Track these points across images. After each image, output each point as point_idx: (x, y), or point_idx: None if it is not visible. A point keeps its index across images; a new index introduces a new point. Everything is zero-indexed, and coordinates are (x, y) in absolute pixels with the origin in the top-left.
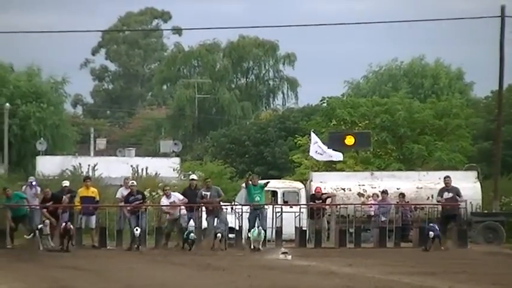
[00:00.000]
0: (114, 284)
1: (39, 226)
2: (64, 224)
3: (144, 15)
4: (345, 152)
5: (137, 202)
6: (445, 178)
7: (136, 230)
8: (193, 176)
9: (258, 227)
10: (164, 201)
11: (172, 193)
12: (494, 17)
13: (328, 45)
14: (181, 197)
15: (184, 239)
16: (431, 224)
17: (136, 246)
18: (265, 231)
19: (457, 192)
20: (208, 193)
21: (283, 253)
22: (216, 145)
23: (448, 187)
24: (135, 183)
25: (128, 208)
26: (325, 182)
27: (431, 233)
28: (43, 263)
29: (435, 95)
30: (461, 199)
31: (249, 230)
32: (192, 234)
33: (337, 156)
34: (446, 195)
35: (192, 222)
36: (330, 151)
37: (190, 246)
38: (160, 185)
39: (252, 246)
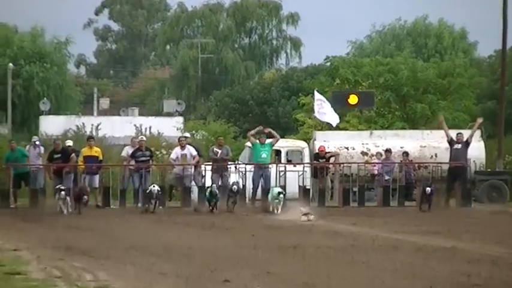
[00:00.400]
0: (117, 244)
1: (60, 187)
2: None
3: None
4: (348, 111)
5: (144, 158)
6: (457, 134)
7: (154, 186)
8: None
9: (277, 187)
10: (178, 151)
11: (187, 145)
12: None
13: (332, 5)
14: (195, 152)
15: (208, 199)
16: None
17: (152, 206)
18: (284, 190)
19: (466, 144)
20: (219, 151)
21: (304, 214)
22: (219, 105)
23: (459, 140)
24: (144, 138)
25: (132, 166)
26: (329, 141)
27: (428, 189)
28: (46, 223)
29: (439, 54)
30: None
31: (253, 189)
32: (217, 195)
33: (334, 120)
34: (457, 146)
35: (217, 183)
36: (330, 114)
37: (213, 207)
38: (164, 144)
39: (271, 209)
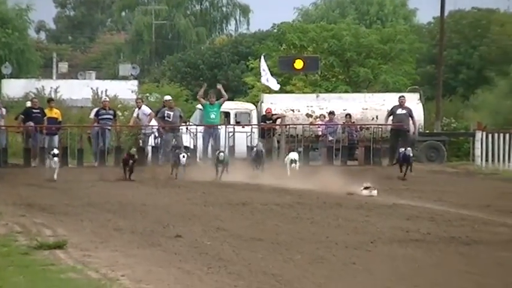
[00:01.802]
0: (76, 201)
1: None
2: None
3: None
4: (294, 75)
5: (108, 116)
6: (399, 97)
7: (184, 156)
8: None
9: (293, 153)
10: (137, 110)
11: (143, 106)
12: None
13: None
14: (149, 111)
15: (215, 165)
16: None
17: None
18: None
19: (409, 112)
20: (171, 113)
21: (365, 188)
22: (172, 69)
23: (402, 105)
24: (107, 99)
25: (96, 125)
26: (276, 104)
27: (408, 151)
28: (8, 181)
29: (380, 21)
30: (415, 122)
31: (204, 148)
32: (226, 157)
33: (274, 85)
34: (400, 111)
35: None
36: (270, 79)
37: (223, 169)
38: (119, 106)
39: (288, 173)
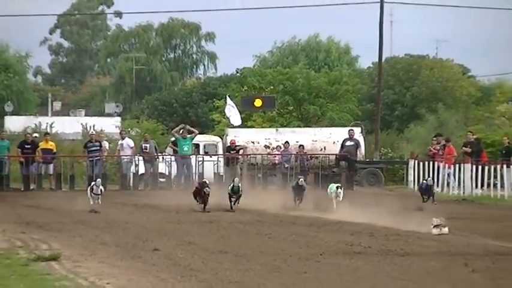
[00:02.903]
0: (68, 219)
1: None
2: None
3: (92, 1)
4: (254, 112)
5: (95, 148)
6: (349, 130)
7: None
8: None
9: (334, 184)
10: (121, 141)
11: (126, 138)
12: (375, 3)
13: (242, 25)
14: (132, 143)
15: (229, 194)
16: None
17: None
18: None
19: (357, 143)
20: (147, 145)
21: (436, 226)
22: (150, 107)
23: (351, 137)
24: (94, 133)
25: (86, 156)
26: (238, 136)
27: (428, 181)
28: (10, 202)
29: (328, 66)
30: (360, 150)
31: (178, 176)
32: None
33: (237, 122)
34: (349, 143)
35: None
36: (234, 116)
37: (235, 202)
38: (101, 135)
39: (334, 205)
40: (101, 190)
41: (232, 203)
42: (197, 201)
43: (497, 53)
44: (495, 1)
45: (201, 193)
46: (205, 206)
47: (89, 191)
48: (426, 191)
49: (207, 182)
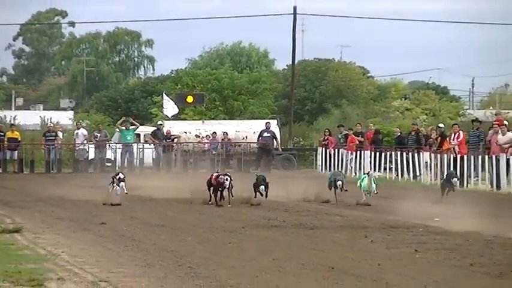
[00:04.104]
0: (29, 197)
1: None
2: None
3: (49, 13)
4: (187, 107)
5: (51, 137)
6: (266, 123)
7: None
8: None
9: (368, 175)
10: (76, 130)
11: (81, 128)
12: (289, 14)
13: (176, 33)
14: (86, 132)
15: (254, 185)
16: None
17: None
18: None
19: (273, 134)
20: (99, 134)
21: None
22: (98, 102)
23: (267, 129)
24: (51, 124)
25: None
26: (173, 127)
27: (454, 180)
28: None
29: (249, 68)
30: (277, 141)
31: (121, 161)
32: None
33: (172, 113)
34: (266, 134)
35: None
36: (171, 108)
37: (261, 193)
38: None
39: (363, 200)
40: (123, 181)
41: (262, 193)
42: (209, 191)
43: (391, 56)
44: (390, 12)
45: (214, 184)
46: (220, 198)
47: (110, 186)
48: (448, 183)
49: (228, 178)
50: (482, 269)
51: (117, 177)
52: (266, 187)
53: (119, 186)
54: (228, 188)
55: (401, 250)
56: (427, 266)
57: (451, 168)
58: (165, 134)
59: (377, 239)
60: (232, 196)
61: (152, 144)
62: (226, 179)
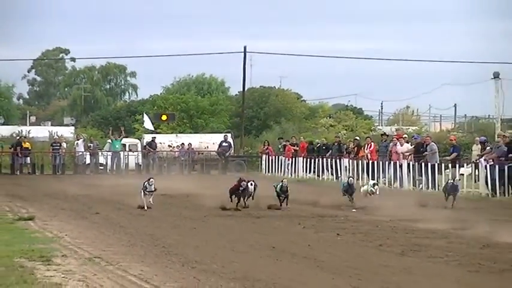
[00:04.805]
0: (40, 193)
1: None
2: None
3: (55, 50)
4: (162, 124)
5: (57, 147)
6: (224, 135)
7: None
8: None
9: (371, 181)
10: (76, 141)
11: (81, 139)
12: (240, 52)
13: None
14: (83, 142)
15: (277, 194)
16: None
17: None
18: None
19: (230, 144)
20: (92, 144)
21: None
22: (93, 120)
23: (225, 140)
24: (57, 137)
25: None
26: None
27: (456, 183)
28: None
29: (209, 93)
30: (231, 149)
31: (111, 165)
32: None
33: (149, 126)
34: (224, 144)
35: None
36: (148, 124)
37: (282, 202)
38: (61, 138)
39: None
40: (154, 188)
41: (281, 201)
42: (231, 198)
43: (319, 84)
44: (319, 50)
45: (237, 190)
46: (238, 202)
47: (142, 191)
48: (453, 191)
49: (252, 183)
50: (388, 249)
51: (147, 187)
52: (286, 197)
53: (150, 195)
54: (251, 194)
55: (326, 234)
56: (346, 246)
57: (365, 170)
58: (145, 144)
59: (308, 226)
60: (253, 199)
61: (147, 152)
62: (251, 184)
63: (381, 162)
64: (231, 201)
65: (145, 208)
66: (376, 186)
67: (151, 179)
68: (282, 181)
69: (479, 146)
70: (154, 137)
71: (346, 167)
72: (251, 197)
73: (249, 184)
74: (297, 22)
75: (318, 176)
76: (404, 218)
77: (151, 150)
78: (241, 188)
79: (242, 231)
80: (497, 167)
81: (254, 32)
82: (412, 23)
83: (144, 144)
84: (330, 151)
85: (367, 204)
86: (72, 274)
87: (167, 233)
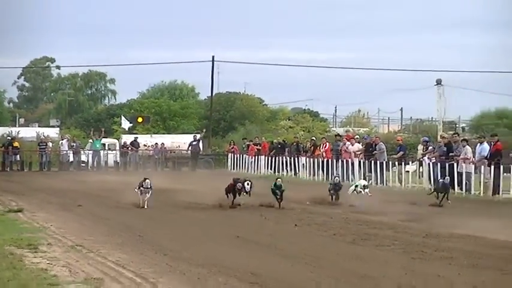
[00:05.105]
0: (28, 188)
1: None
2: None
3: (42, 59)
4: (138, 125)
5: (44, 146)
6: (194, 135)
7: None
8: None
9: (361, 180)
10: (61, 141)
11: (65, 138)
12: (208, 61)
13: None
14: (67, 141)
15: (273, 191)
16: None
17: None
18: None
19: (198, 143)
20: (74, 144)
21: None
22: (77, 122)
23: (195, 140)
24: (43, 137)
25: (38, 150)
26: (128, 139)
27: (445, 180)
28: None
29: (181, 98)
30: (201, 148)
31: (92, 162)
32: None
33: (126, 125)
34: (194, 143)
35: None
36: (125, 124)
37: (278, 199)
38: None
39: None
40: (151, 186)
41: (278, 200)
42: (227, 196)
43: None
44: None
45: (234, 189)
46: (234, 199)
47: (138, 189)
48: (444, 189)
49: (248, 182)
50: (341, 238)
51: (144, 185)
52: (282, 192)
53: (147, 194)
54: (248, 192)
55: (285, 225)
56: (303, 236)
57: (321, 168)
58: (123, 143)
59: (269, 217)
60: (250, 196)
61: (130, 150)
62: (248, 184)
63: (334, 160)
64: (228, 198)
65: (145, 206)
66: (366, 189)
67: (147, 180)
68: (277, 179)
69: (423, 145)
70: (137, 137)
71: (303, 164)
72: (248, 194)
73: (245, 184)
74: (260, 34)
75: (278, 172)
76: (356, 211)
77: (134, 148)
78: (238, 187)
79: (211, 222)
80: (439, 164)
81: (221, 42)
82: (366, 35)
83: (125, 143)
84: (287, 149)
85: (318, 196)
86: (57, 260)
87: (143, 223)
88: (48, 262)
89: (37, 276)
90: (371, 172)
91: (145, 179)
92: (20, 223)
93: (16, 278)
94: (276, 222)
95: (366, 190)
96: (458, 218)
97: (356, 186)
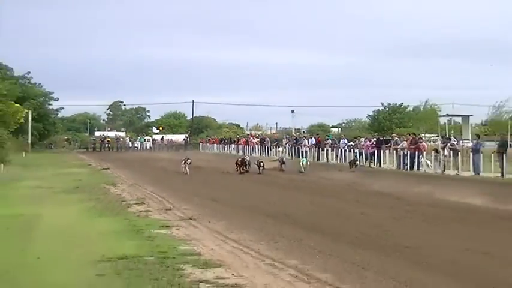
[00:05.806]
0: (111, 158)
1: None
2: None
3: (117, 101)
4: (159, 131)
5: (118, 140)
6: (185, 135)
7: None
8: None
9: (306, 158)
10: (126, 138)
11: (127, 137)
12: (189, 103)
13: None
14: None
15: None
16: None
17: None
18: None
19: (187, 138)
20: (132, 139)
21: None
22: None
23: (186, 137)
24: (118, 136)
25: (116, 142)
26: (157, 137)
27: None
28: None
29: (178, 118)
30: (189, 140)
31: (140, 148)
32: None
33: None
34: (185, 138)
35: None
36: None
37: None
38: (119, 137)
39: (302, 170)
40: (190, 162)
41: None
42: (236, 167)
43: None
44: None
45: (242, 162)
46: (241, 168)
47: (184, 163)
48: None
49: (247, 158)
50: (276, 184)
51: (187, 160)
52: (263, 165)
53: (187, 164)
54: (248, 164)
55: (250, 183)
56: (255, 187)
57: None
58: (153, 139)
59: (233, 178)
60: (250, 166)
61: (157, 142)
62: (247, 159)
63: None
64: (237, 169)
65: (188, 173)
66: (308, 162)
67: (188, 159)
68: (245, 156)
69: None
70: (162, 137)
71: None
72: (249, 166)
73: (246, 157)
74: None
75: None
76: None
77: (160, 141)
78: (245, 160)
79: (193, 186)
80: None
81: (199, 87)
82: None
83: (154, 139)
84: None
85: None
86: (124, 190)
87: (181, 179)
88: (120, 191)
89: (115, 196)
90: None
91: (187, 158)
92: (107, 174)
93: (106, 196)
94: (241, 179)
95: (308, 163)
96: None
97: (305, 160)
